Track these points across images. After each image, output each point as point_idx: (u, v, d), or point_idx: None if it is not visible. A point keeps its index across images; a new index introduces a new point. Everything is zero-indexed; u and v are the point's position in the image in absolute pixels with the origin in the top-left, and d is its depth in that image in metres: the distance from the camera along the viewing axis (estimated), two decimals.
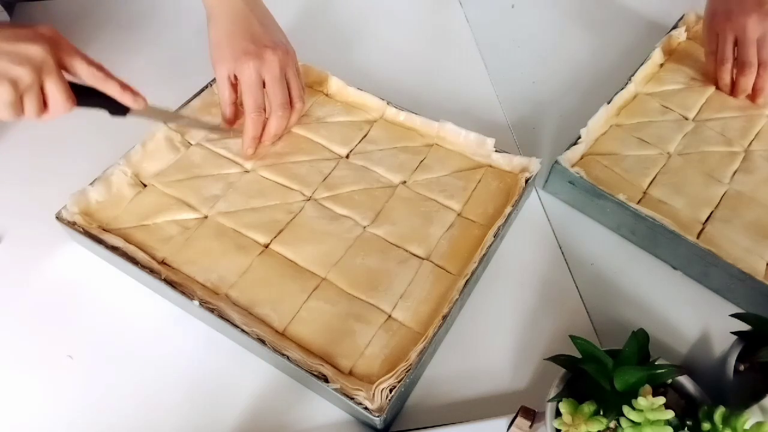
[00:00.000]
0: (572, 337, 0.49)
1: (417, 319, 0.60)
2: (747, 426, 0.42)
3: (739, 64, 0.78)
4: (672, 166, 0.74)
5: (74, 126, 0.78)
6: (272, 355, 0.56)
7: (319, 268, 0.63)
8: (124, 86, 0.59)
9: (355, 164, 0.73)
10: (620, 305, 0.65)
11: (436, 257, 0.65)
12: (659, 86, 0.83)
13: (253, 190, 0.69)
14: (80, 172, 0.67)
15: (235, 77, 0.69)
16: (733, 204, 0.70)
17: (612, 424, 0.44)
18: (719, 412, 0.43)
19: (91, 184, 0.66)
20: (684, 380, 0.49)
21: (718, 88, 0.82)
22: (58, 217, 0.64)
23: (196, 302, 0.58)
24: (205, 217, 0.67)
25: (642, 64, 0.83)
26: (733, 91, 0.81)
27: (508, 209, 0.66)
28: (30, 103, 0.54)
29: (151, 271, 0.61)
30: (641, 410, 0.43)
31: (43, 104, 0.55)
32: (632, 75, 0.81)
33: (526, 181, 0.69)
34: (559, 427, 0.45)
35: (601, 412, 0.45)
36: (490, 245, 0.63)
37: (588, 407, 0.45)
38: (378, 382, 0.53)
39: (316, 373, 0.55)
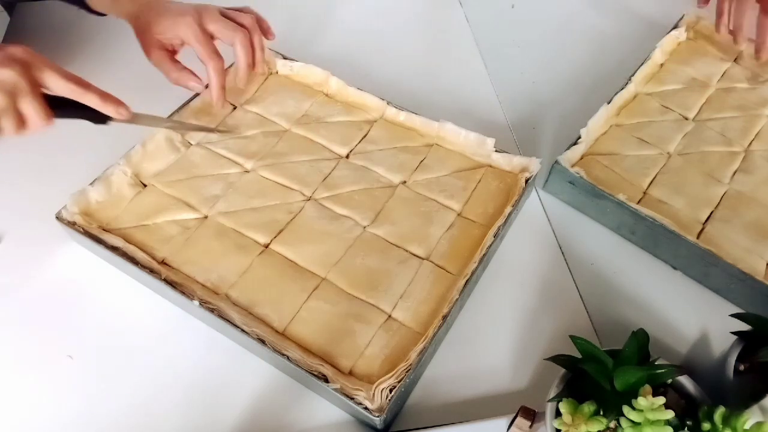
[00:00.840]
0: (572, 337, 0.49)
1: (417, 319, 0.60)
2: (747, 426, 0.42)
3: (737, 11, 0.81)
4: (672, 166, 0.74)
5: (74, 126, 0.78)
6: (272, 355, 0.56)
7: (319, 268, 0.63)
8: (105, 97, 0.58)
9: (355, 164, 0.73)
10: (620, 305, 0.65)
11: (436, 257, 0.65)
12: (659, 86, 0.83)
13: (253, 190, 0.69)
14: (80, 172, 0.68)
15: (173, 49, 0.69)
16: (733, 204, 0.70)
17: (612, 424, 0.44)
18: (719, 412, 0.43)
19: (91, 184, 0.66)
20: (684, 380, 0.49)
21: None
22: (58, 217, 0.64)
23: (196, 302, 0.58)
24: (205, 217, 0.67)
25: (642, 64, 0.83)
26: (735, 39, 0.83)
27: (508, 209, 0.66)
28: (7, 123, 0.55)
29: (151, 271, 0.61)
30: (641, 410, 0.43)
31: (22, 121, 0.56)
32: (632, 75, 0.81)
33: (526, 181, 0.69)
34: (559, 427, 0.45)
35: (601, 412, 0.45)
36: (490, 245, 0.63)
37: (588, 407, 0.45)
38: (378, 382, 0.53)
39: (316, 373, 0.55)
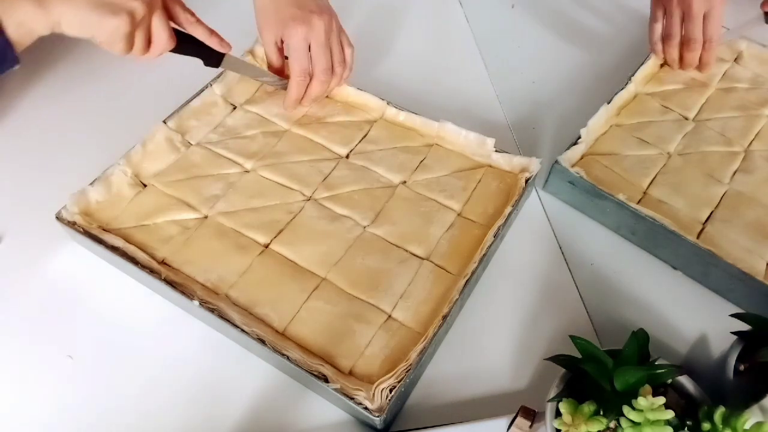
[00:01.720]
0: (572, 337, 0.49)
1: (417, 319, 0.60)
2: (747, 426, 0.42)
3: (686, 40, 0.81)
4: (672, 166, 0.74)
5: (74, 126, 0.78)
6: (272, 355, 0.56)
7: (319, 268, 0.63)
8: (212, 32, 0.67)
9: (355, 164, 0.73)
10: (620, 305, 0.65)
11: (436, 257, 0.65)
12: (659, 86, 0.83)
13: (253, 190, 0.69)
14: (80, 172, 0.67)
15: (281, 41, 0.72)
16: (733, 204, 0.70)
17: (612, 424, 0.44)
18: (719, 412, 0.43)
19: (91, 184, 0.66)
20: (684, 380, 0.49)
21: (664, 63, 0.84)
22: (58, 217, 0.64)
23: (196, 302, 0.58)
24: (205, 217, 0.67)
25: (642, 64, 0.83)
26: (681, 65, 0.83)
27: (508, 209, 0.66)
28: (140, 38, 0.58)
29: (151, 271, 0.61)
30: (641, 410, 0.43)
31: (149, 41, 0.60)
32: (632, 75, 0.81)
33: (526, 181, 0.69)
34: (559, 427, 0.45)
35: (601, 412, 0.45)
36: (490, 245, 0.63)
37: (588, 407, 0.45)
38: (378, 382, 0.53)
39: (316, 373, 0.55)
